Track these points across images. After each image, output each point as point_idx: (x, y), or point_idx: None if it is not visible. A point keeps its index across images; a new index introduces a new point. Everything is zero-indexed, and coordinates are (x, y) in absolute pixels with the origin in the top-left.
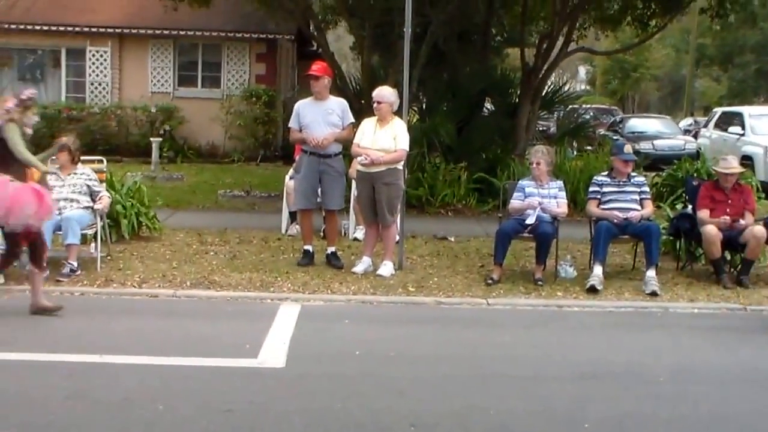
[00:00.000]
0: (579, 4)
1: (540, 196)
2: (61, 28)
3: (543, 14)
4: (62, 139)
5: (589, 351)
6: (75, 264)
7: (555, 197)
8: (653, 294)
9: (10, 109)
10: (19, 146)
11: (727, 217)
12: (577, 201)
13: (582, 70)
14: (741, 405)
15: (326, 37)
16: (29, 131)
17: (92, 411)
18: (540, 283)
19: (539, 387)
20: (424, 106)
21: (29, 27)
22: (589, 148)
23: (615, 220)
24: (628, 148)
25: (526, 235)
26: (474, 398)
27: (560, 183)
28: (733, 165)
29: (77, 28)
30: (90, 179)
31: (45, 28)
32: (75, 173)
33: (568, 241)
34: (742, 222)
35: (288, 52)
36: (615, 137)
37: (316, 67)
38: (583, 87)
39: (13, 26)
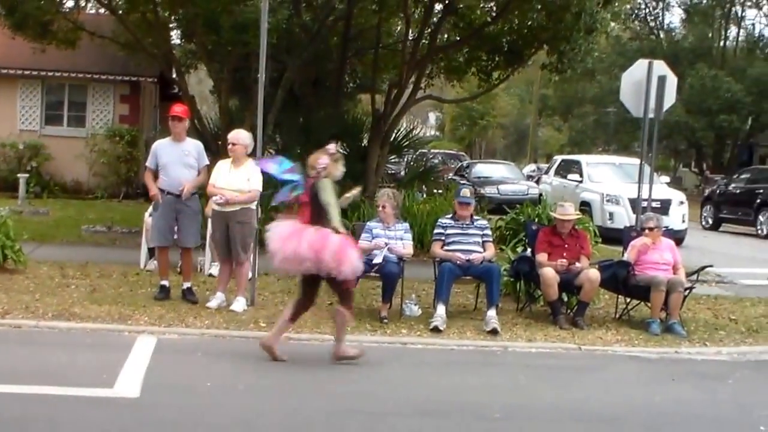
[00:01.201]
0: (427, 55)
1: (386, 237)
2: None
3: (393, 63)
4: None
5: (430, 388)
6: None
7: (401, 239)
8: (494, 333)
9: (326, 165)
10: (331, 204)
11: (564, 261)
12: (424, 242)
13: (432, 116)
14: None
15: (187, 80)
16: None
17: None
18: (385, 321)
19: (380, 422)
20: (279, 148)
21: None
22: (437, 191)
23: (458, 262)
24: (465, 192)
25: (373, 274)
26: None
27: (406, 225)
28: (569, 211)
29: None
30: None
31: None
32: None
33: (414, 280)
34: (578, 265)
35: (151, 94)
36: (462, 181)
37: (180, 109)
38: (432, 132)
39: None
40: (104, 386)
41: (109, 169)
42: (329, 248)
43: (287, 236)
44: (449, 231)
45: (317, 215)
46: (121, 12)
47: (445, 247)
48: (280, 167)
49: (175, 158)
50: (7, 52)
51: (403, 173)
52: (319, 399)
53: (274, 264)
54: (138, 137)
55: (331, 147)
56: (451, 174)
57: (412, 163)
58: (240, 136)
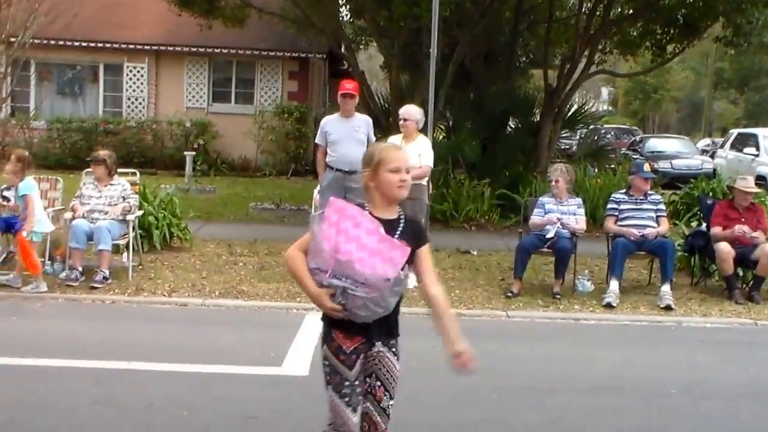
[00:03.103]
0: (600, 29)
1: (559, 212)
2: (100, 45)
3: (566, 37)
4: (98, 152)
5: (604, 364)
6: (107, 272)
7: (574, 214)
8: (668, 308)
9: None
10: None
11: (744, 227)
12: (596, 217)
13: (605, 91)
14: (750, 419)
15: (356, 56)
16: None
17: (118, 416)
18: (558, 296)
19: (554, 399)
20: (450, 124)
21: (68, 43)
22: (610, 166)
23: (632, 237)
24: (647, 166)
25: (545, 250)
26: (490, 410)
27: (579, 200)
28: (751, 185)
29: (115, 45)
30: (125, 191)
31: (84, 44)
32: (111, 185)
33: (587, 256)
34: (755, 234)
35: (320, 70)
36: (635, 156)
37: (350, 86)
38: (605, 107)
39: (52, 42)
40: (273, 365)
41: (278, 146)
42: None
43: None
44: (623, 206)
45: None
46: None
47: (619, 223)
48: None
49: (345, 134)
50: (174, 29)
51: (574, 148)
52: (490, 377)
53: None
54: (307, 114)
55: None
56: (624, 149)
57: (585, 138)
58: (411, 111)
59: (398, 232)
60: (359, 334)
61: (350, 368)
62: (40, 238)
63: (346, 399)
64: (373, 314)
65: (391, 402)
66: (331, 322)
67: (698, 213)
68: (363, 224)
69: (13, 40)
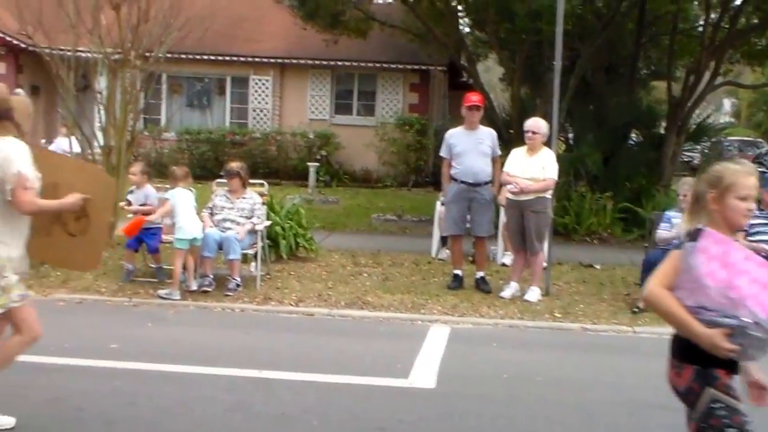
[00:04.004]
0: (727, 39)
1: None
2: (227, 58)
3: (690, 49)
4: (232, 165)
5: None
6: (239, 279)
7: None
8: None
9: None
10: None
11: None
12: None
13: (727, 103)
14: None
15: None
16: None
17: (250, 423)
18: None
19: (684, 416)
20: (571, 137)
21: (198, 56)
22: None
23: (763, 253)
24: None
25: None
26: (619, 425)
27: None
28: None
29: (242, 58)
30: (255, 204)
31: (213, 57)
32: (244, 197)
33: None
34: None
35: (440, 83)
36: (761, 169)
37: (476, 98)
38: (727, 119)
39: (183, 56)
40: (399, 376)
41: (399, 157)
42: None
43: None
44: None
45: None
46: (411, 1)
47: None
48: None
49: (471, 146)
50: (298, 42)
51: (696, 161)
52: (618, 391)
53: None
54: (427, 126)
55: None
56: (748, 162)
57: (709, 151)
58: (540, 125)
59: None
60: (734, 371)
61: (740, 401)
62: (185, 245)
63: None
64: (762, 356)
65: None
66: (708, 361)
67: None
68: (752, 256)
69: (148, 54)
